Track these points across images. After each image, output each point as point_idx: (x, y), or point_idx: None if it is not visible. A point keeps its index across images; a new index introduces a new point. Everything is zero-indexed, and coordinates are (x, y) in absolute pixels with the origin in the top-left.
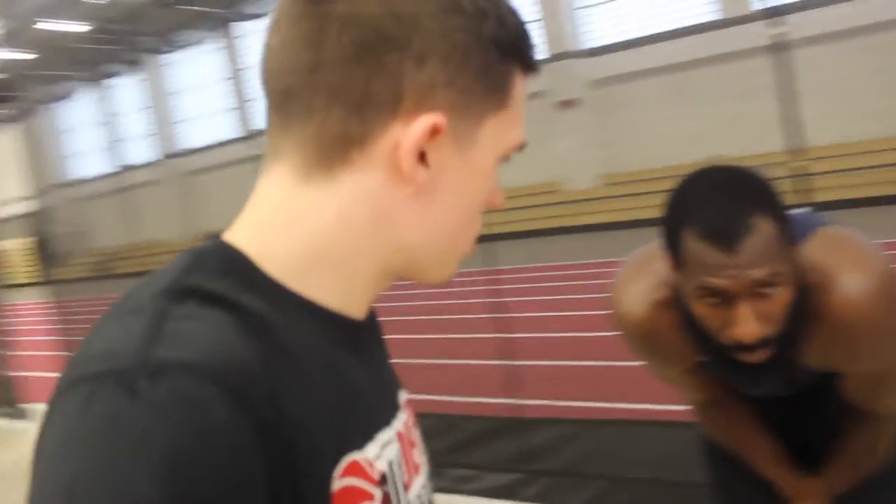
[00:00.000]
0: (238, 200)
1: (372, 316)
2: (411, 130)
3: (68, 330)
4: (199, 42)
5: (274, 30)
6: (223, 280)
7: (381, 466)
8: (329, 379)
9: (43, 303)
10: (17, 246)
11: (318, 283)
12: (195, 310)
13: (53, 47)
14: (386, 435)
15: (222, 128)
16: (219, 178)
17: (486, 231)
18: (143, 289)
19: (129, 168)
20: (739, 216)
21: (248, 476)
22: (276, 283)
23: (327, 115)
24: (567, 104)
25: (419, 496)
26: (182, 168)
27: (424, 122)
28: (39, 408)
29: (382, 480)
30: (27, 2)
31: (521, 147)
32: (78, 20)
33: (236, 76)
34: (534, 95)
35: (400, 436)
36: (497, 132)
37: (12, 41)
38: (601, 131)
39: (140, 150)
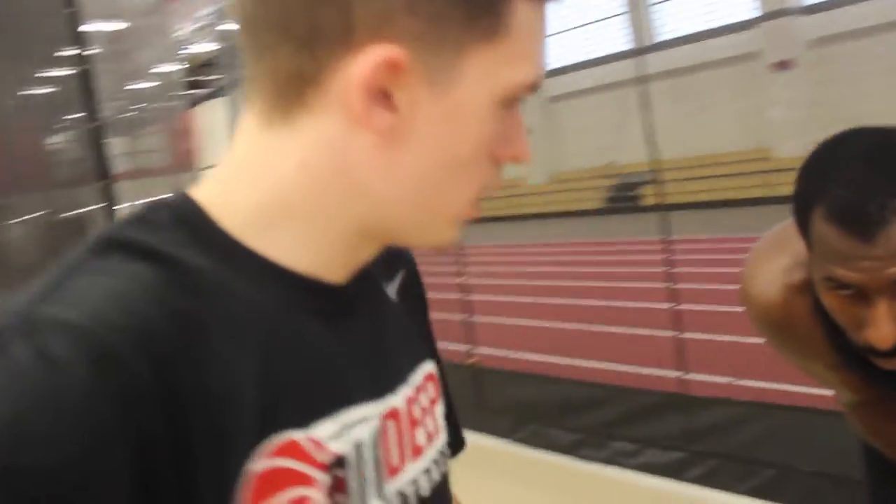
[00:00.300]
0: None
1: (369, 278)
2: (358, 65)
3: None
4: None
5: None
6: (170, 233)
7: (338, 448)
8: (275, 347)
9: None
10: None
11: (282, 240)
12: (115, 264)
13: None
14: (359, 412)
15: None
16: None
17: (691, 198)
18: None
19: None
20: (882, 197)
21: (97, 451)
22: (232, 239)
23: (277, 51)
24: (782, 65)
25: (414, 482)
26: None
27: (373, 55)
28: None
29: (337, 464)
30: None
31: (533, 87)
32: None
33: None
34: (746, 57)
35: (393, 414)
36: (489, 67)
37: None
38: (818, 94)
39: None
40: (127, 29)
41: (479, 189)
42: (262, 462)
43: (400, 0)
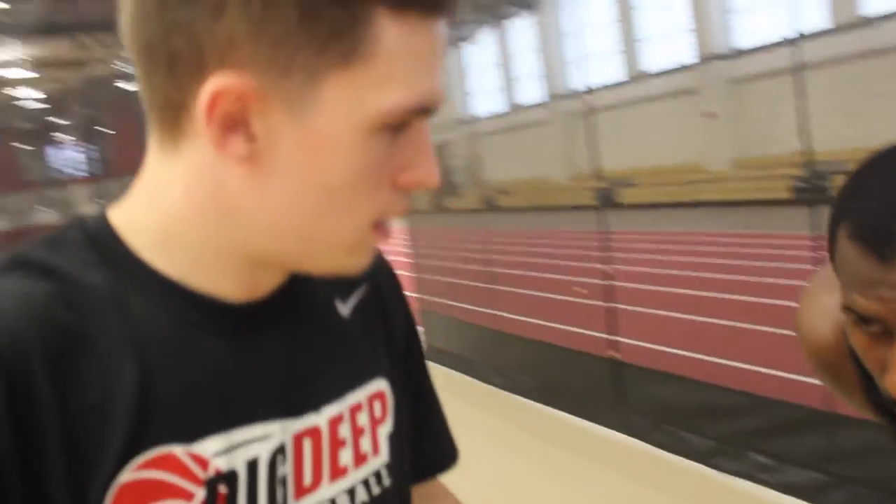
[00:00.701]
0: (623, 142)
1: (305, 295)
2: (202, 94)
3: (432, 255)
4: None
5: None
6: (77, 252)
7: (223, 465)
8: (163, 362)
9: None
10: None
11: (180, 260)
12: (11, 281)
13: None
14: (257, 430)
15: (610, 69)
16: (606, 118)
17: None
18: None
19: (519, 108)
20: None
21: None
22: (135, 257)
23: (151, 78)
24: None
25: (331, 500)
26: (568, 108)
27: (212, 84)
28: None
29: (221, 479)
30: None
31: (413, 112)
32: None
33: (626, 17)
34: None
35: (311, 432)
36: (351, 93)
37: None
38: None
39: (531, 90)
40: None
41: (374, 217)
42: (132, 474)
43: (242, 27)
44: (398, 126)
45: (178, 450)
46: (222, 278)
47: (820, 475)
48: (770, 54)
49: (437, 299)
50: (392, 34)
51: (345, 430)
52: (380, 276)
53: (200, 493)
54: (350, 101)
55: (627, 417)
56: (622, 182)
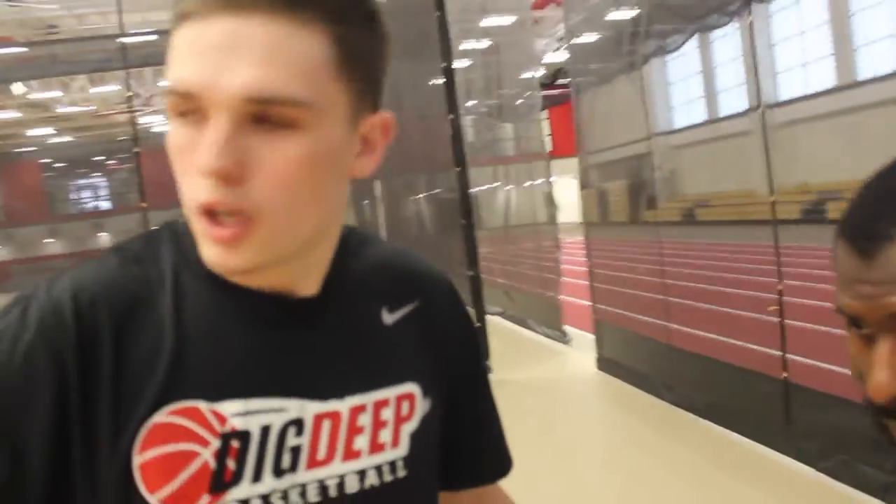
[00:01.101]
0: (830, 153)
1: (353, 302)
2: None
3: (613, 265)
4: None
5: None
6: (160, 245)
7: (239, 424)
8: (205, 336)
9: (621, 241)
10: (616, 188)
11: None
12: (106, 261)
13: (657, 4)
14: (276, 403)
15: (817, 78)
16: (810, 129)
17: None
18: None
19: (720, 118)
20: (894, 215)
21: (26, 375)
22: (196, 249)
23: None
24: None
25: (340, 477)
26: (773, 119)
27: None
28: (574, 331)
29: (235, 436)
30: None
31: (169, 93)
32: None
33: (837, 22)
34: None
35: (332, 415)
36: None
37: (622, 2)
38: None
39: (733, 100)
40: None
41: (190, 201)
42: (164, 416)
43: None
44: (189, 114)
45: (202, 405)
46: (271, 275)
47: None
48: None
49: (612, 309)
50: (175, 39)
51: (365, 420)
52: (434, 296)
53: (216, 443)
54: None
55: (796, 442)
56: (831, 195)
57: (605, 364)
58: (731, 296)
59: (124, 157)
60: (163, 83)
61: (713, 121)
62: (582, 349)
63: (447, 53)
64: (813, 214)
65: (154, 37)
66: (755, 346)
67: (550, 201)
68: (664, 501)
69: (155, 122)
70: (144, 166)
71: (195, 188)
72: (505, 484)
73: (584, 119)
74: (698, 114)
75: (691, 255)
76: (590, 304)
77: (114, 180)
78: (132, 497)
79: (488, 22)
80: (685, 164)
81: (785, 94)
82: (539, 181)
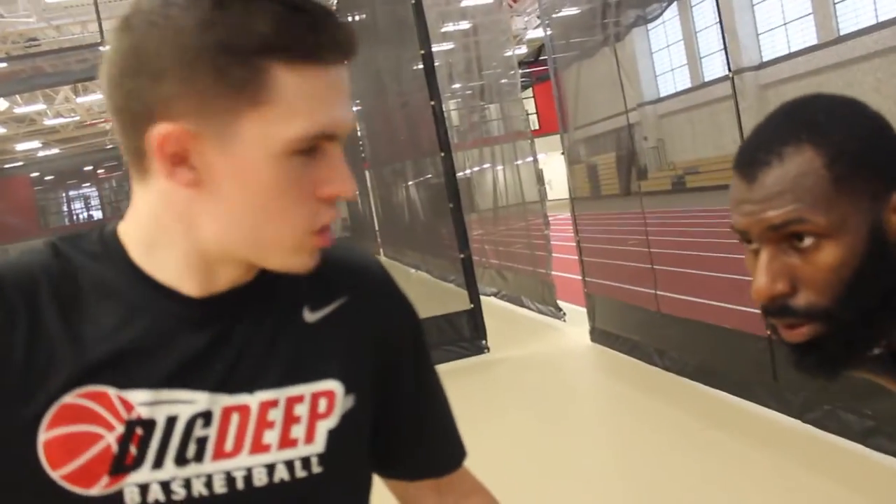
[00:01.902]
0: None
1: (270, 300)
2: (152, 140)
3: (603, 238)
4: None
5: None
6: (89, 244)
7: (145, 413)
8: (122, 327)
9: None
10: (605, 161)
11: (154, 261)
12: (39, 253)
13: None
14: (184, 395)
15: (800, 36)
16: (798, 88)
17: None
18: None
19: (703, 84)
20: (772, 142)
21: None
22: (124, 253)
23: (122, 132)
24: None
25: (247, 470)
26: (758, 81)
27: (154, 132)
28: (569, 306)
29: (140, 423)
30: None
31: (316, 139)
32: None
33: None
34: None
35: (240, 409)
36: (262, 128)
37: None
38: None
39: (715, 67)
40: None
41: (308, 223)
42: (72, 398)
43: (177, 88)
44: (309, 150)
45: (111, 391)
46: (183, 275)
47: None
48: None
49: (602, 282)
50: (289, 81)
51: (275, 415)
52: (365, 293)
53: (120, 428)
54: (262, 133)
55: (783, 396)
56: None
57: (599, 335)
58: (715, 260)
59: (112, 165)
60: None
61: (696, 87)
62: (576, 323)
63: (425, 39)
64: None
65: None
66: (740, 307)
67: (539, 179)
68: (660, 463)
69: None
70: None
71: (313, 211)
72: (506, 456)
73: (567, 94)
74: (682, 82)
75: (680, 223)
76: (580, 278)
77: (104, 189)
78: (34, 472)
79: (466, 2)
80: (673, 132)
81: (769, 54)
82: (526, 160)
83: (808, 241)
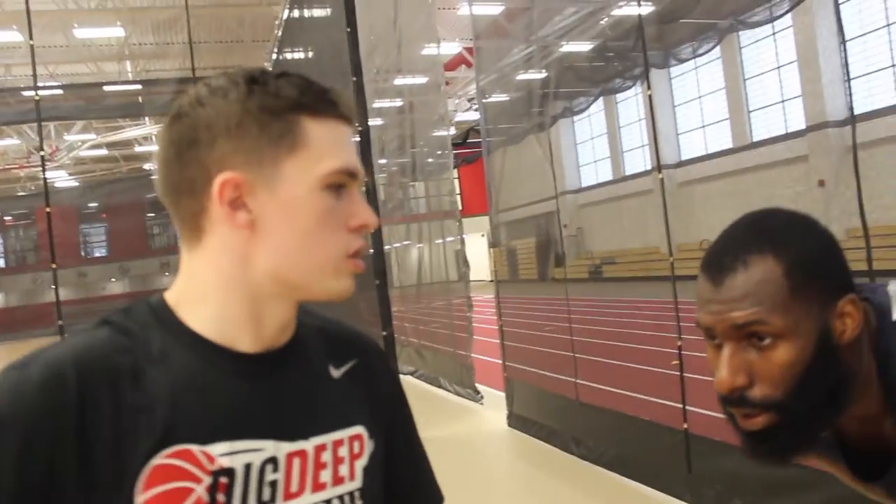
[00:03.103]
0: (729, 211)
1: (305, 358)
2: (214, 191)
3: (522, 323)
4: (697, 55)
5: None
6: (141, 316)
7: (226, 463)
8: (189, 389)
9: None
10: (523, 246)
11: (209, 322)
12: (96, 331)
13: (565, 67)
14: (254, 444)
15: (718, 139)
16: (712, 188)
17: None
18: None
19: (624, 178)
20: (739, 250)
21: (36, 434)
22: (178, 321)
23: (178, 205)
24: None
25: None
26: (676, 179)
27: (217, 181)
28: (486, 390)
29: (223, 473)
30: (546, 29)
31: (341, 174)
32: (585, 41)
33: (733, 87)
34: None
35: (300, 453)
36: (300, 169)
37: (531, 64)
38: None
39: (636, 161)
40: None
41: (343, 250)
42: (161, 459)
43: (228, 147)
44: (338, 186)
45: (194, 448)
46: (238, 333)
47: None
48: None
49: (521, 367)
50: (316, 129)
51: (327, 456)
52: (369, 356)
53: (207, 480)
54: (300, 173)
55: (697, 489)
56: None
57: (516, 420)
58: (635, 351)
59: (21, 213)
60: (71, 138)
61: (617, 180)
62: (493, 407)
63: (363, 116)
64: None
65: (59, 91)
66: (658, 400)
67: (462, 259)
68: None
69: (58, 177)
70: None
71: (347, 240)
72: None
73: (495, 177)
74: (604, 173)
75: (598, 312)
76: (500, 362)
77: (9, 238)
78: None
79: (402, 81)
80: (592, 222)
81: (686, 154)
82: (450, 238)
83: (766, 341)
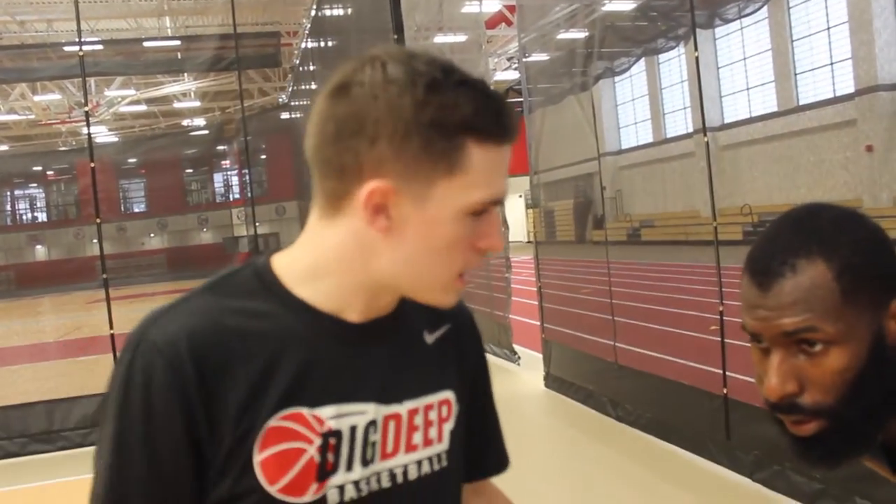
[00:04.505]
0: (774, 176)
1: (403, 325)
2: (363, 191)
3: (561, 286)
4: (744, 15)
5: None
6: (248, 282)
7: (334, 425)
8: (300, 355)
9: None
10: (561, 207)
11: (319, 291)
12: (201, 300)
13: (607, 26)
14: (358, 407)
15: (763, 102)
16: (756, 152)
17: None
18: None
19: (666, 140)
20: (786, 254)
21: (167, 409)
22: (285, 287)
23: (325, 178)
24: None
25: (404, 466)
26: (719, 142)
27: (368, 186)
28: (523, 351)
29: (331, 434)
30: None
31: (489, 204)
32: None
33: (780, 49)
34: None
35: (395, 416)
36: (452, 193)
37: (574, 23)
38: None
39: (678, 124)
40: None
41: (460, 269)
42: (277, 421)
43: (388, 152)
44: (480, 212)
45: (305, 411)
46: (348, 304)
47: None
48: None
49: (559, 329)
50: (478, 155)
51: (418, 420)
52: (461, 322)
53: (317, 441)
54: (452, 197)
55: (734, 454)
56: (771, 216)
57: (553, 382)
58: (675, 316)
59: (62, 168)
60: (111, 93)
61: (658, 142)
62: (531, 368)
63: None
64: (754, 236)
65: (101, 47)
66: (697, 365)
67: (502, 220)
68: None
69: (98, 133)
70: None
71: (468, 259)
72: None
73: (535, 138)
74: (645, 136)
75: (636, 276)
76: (538, 323)
77: (52, 192)
78: (254, 489)
79: (442, 39)
80: (631, 184)
81: (730, 117)
82: None
83: (817, 347)
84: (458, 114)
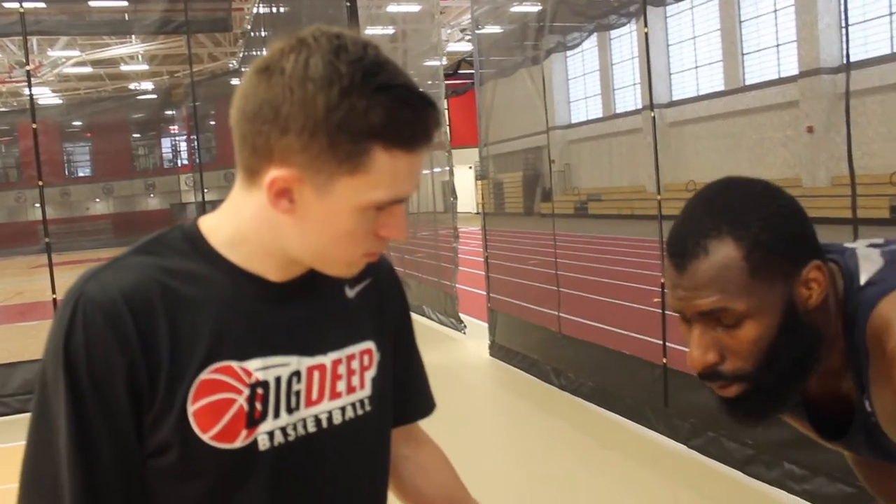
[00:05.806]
0: (717, 152)
1: (324, 282)
2: (268, 176)
3: (506, 256)
4: None
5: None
6: (178, 244)
7: (261, 376)
8: (227, 311)
9: (519, 231)
10: (510, 179)
11: (243, 253)
12: (134, 259)
13: (562, 1)
14: (282, 360)
15: (710, 80)
16: (701, 129)
17: None
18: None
19: (615, 115)
20: (699, 236)
21: (110, 360)
22: (213, 249)
23: (242, 151)
24: None
25: (328, 412)
26: (666, 118)
27: (272, 174)
28: (469, 320)
29: (258, 385)
30: None
31: (390, 203)
32: None
33: (728, 28)
34: None
35: (319, 367)
36: (353, 190)
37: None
38: None
39: (627, 99)
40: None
41: (364, 252)
42: (207, 374)
43: (296, 145)
44: (382, 206)
45: (234, 364)
46: (268, 267)
47: (850, 487)
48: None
49: (505, 298)
50: (383, 160)
51: (341, 369)
52: (381, 275)
53: (246, 391)
54: (351, 194)
55: (672, 421)
56: None
57: (498, 350)
58: (618, 287)
59: (3, 129)
60: (54, 53)
61: (608, 117)
62: (476, 336)
63: None
64: None
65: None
66: (639, 335)
67: (450, 190)
68: (552, 477)
69: (41, 94)
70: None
71: (371, 244)
72: None
73: (486, 110)
74: (594, 110)
75: (582, 248)
76: (484, 293)
77: None
78: (188, 438)
79: (395, 8)
80: (580, 158)
81: (678, 94)
82: (438, 170)
83: (732, 321)
84: (367, 121)
